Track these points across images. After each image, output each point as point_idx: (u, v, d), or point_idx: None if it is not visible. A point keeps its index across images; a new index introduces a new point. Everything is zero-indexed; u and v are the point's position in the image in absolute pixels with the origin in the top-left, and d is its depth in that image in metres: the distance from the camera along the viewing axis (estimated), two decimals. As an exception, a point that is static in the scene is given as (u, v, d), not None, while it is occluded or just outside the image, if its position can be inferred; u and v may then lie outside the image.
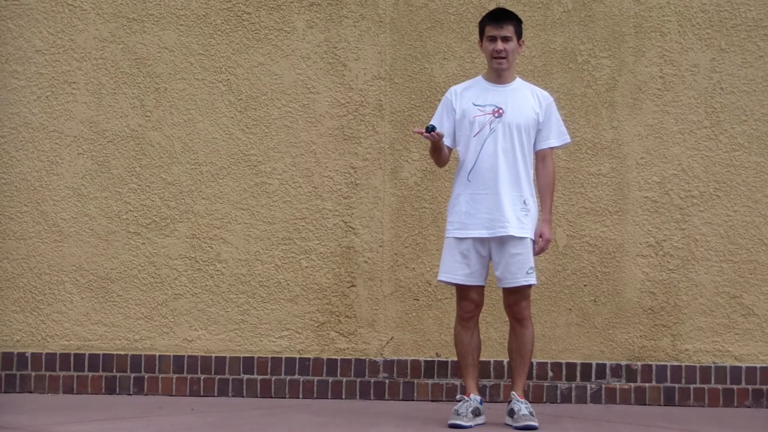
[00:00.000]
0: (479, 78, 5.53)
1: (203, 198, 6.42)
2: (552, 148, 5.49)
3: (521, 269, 5.32)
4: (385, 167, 6.38)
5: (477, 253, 5.35)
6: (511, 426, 5.31)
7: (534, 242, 5.39)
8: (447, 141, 5.44)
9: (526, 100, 5.41)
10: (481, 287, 5.40)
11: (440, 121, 5.45)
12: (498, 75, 5.43)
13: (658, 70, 6.34)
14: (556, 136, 5.48)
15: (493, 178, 5.32)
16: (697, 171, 6.32)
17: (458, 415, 5.29)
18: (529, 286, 5.38)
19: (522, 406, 5.31)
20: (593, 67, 6.36)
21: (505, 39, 5.35)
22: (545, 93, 5.52)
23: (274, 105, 6.43)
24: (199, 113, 6.44)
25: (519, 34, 5.42)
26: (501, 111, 5.36)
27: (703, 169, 6.32)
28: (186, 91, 6.44)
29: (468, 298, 5.38)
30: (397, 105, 6.40)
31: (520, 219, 5.33)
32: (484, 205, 5.32)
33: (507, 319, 5.49)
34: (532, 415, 5.29)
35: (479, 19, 5.55)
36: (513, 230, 5.30)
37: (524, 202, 5.35)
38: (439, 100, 6.37)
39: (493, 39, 5.36)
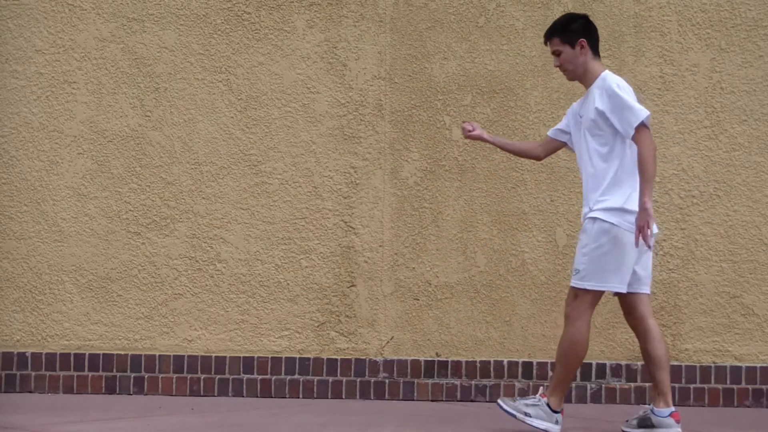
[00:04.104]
0: None
1: (203, 198, 6.42)
2: (628, 132, 4.96)
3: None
4: (385, 167, 6.38)
5: None
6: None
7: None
8: (554, 132, 5.41)
9: (590, 103, 5.13)
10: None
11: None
12: (581, 83, 5.27)
13: (658, 70, 6.34)
14: (619, 120, 4.99)
15: (583, 182, 5.18)
16: (697, 171, 6.32)
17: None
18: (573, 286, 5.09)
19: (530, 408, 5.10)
20: (593, 67, 6.35)
21: (556, 53, 5.21)
22: (603, 80, 5.10)
23: (274, 105, 6.43)
24: (199, 113, 6.44)
25: (568, 41, 5.17)
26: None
27: (703, 169, 6.32)
28: (186, 91, 6.44)
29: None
30: (397, 105, 6.40)
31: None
32: None
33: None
34: (526, 415, 5.06)
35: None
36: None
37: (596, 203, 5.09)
38: (440, 100, 6.39)
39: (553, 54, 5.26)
